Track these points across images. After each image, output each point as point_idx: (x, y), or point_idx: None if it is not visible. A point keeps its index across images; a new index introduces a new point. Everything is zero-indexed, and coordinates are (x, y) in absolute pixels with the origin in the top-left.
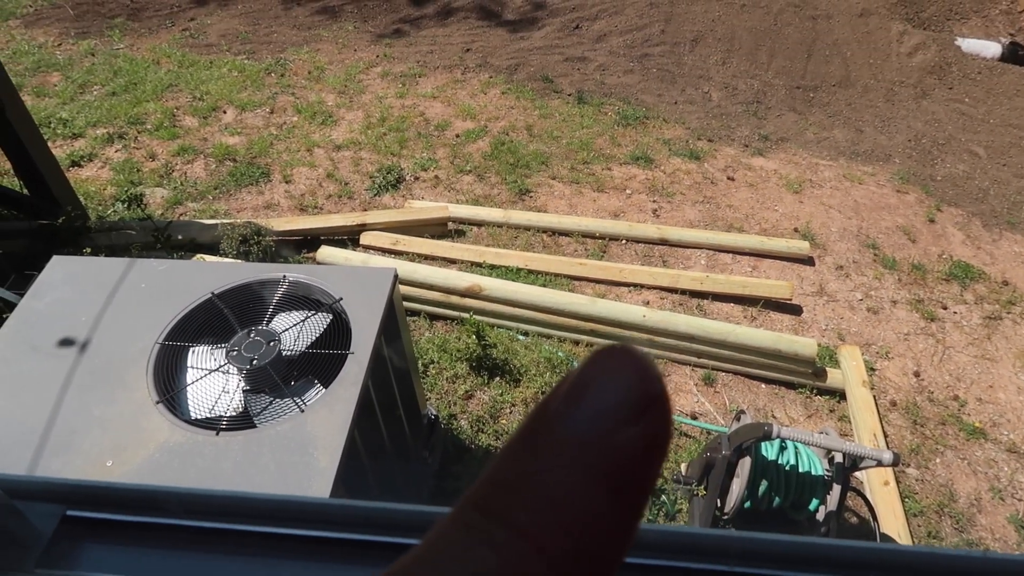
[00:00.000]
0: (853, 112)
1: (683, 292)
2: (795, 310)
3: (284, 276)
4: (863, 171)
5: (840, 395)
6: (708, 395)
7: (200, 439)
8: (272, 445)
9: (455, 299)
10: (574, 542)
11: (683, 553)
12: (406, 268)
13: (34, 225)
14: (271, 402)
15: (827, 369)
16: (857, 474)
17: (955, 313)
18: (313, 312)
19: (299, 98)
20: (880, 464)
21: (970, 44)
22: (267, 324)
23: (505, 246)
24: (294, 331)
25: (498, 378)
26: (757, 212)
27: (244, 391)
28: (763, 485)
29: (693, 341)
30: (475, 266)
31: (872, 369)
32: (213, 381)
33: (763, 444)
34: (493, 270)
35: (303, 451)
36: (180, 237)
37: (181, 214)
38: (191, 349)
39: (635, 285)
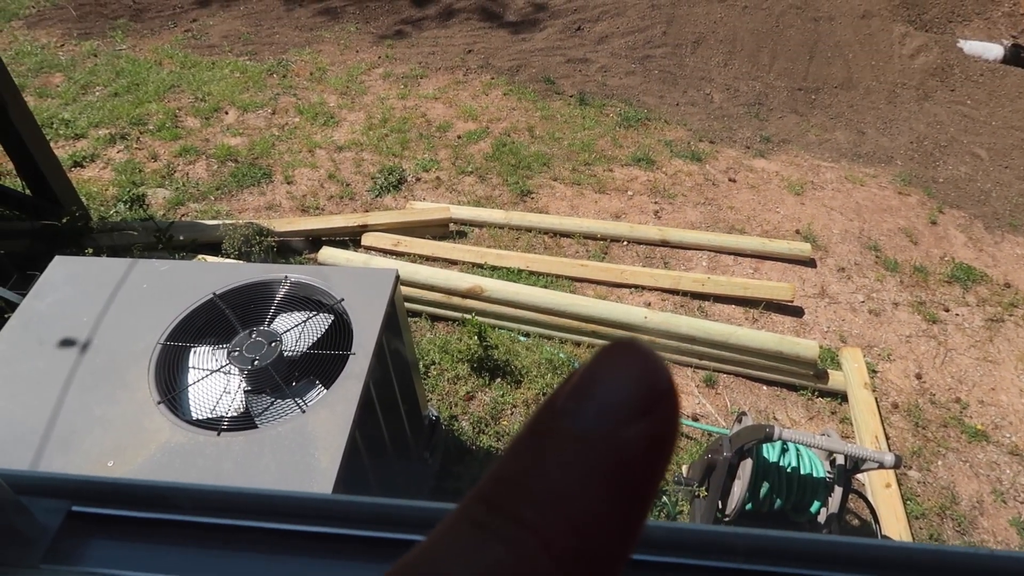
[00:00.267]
0: (855, 114)
1: (684, 294)
2: (797, 312)
3: (286, 277)
4: (865, 173)
5: (842, 397)
6: (709, 397)
7: (201, 439)
8: (273, 446)
9: (456, 300)
10: (580, 539)
11: (689, 550)
12: (407, 269)
13: (36, 225)
14: (272, 403)
15: (829, 371)
16: (859, 476)
17: (957, 315)
18: (315, 313)
19: (301, 99)
20: (882, 466)
21: (972, 46)
22: (268, 325)
23: (506, 247)
24: (295, 332)
25: (499, 379)
26: (759, 214)
27: (245, 392)
28: (764, 487)
29: (694, 343)
30: (476, 267)
31: (874, 371)
32: (214, 381)
33: (764, 446)
34: (494, 271)
35: (304, 452)
36: (182, 238)
37: (183, 215)
38: (192, 349)
39: (636, 286)
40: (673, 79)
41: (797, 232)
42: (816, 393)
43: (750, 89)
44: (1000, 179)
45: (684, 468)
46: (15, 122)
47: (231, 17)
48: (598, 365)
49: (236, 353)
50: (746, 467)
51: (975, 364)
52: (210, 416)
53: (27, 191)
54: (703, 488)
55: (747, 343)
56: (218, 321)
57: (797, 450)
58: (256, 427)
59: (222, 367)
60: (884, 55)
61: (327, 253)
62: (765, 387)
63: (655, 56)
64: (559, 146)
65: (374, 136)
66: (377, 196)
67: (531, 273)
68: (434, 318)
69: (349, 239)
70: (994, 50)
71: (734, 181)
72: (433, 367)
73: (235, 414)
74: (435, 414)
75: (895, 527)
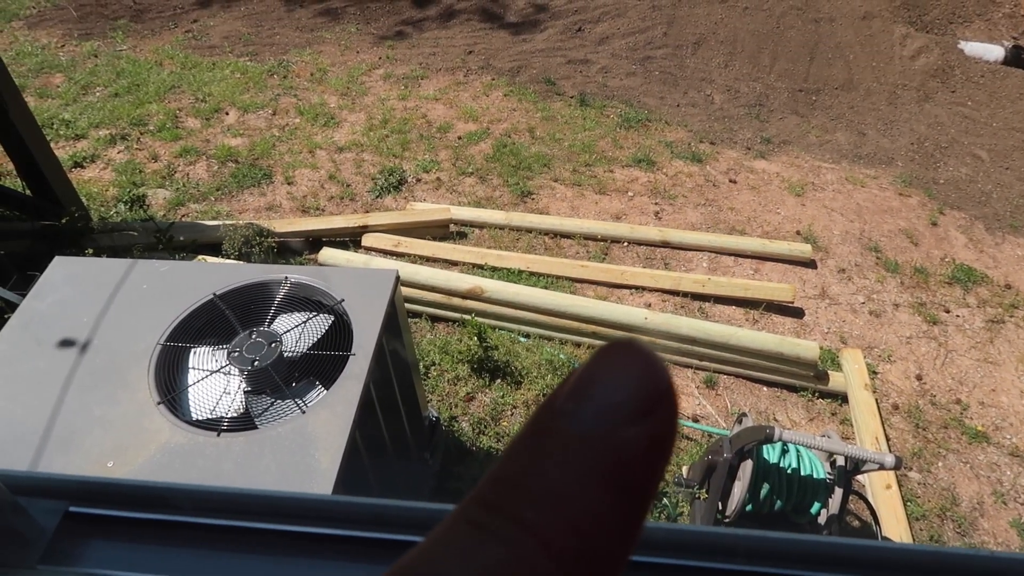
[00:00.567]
0: (855, 115)
1: (685, 295)
2: (797, 313)
3: (286, 277)
4: (865, 174)
5: (842, 398)
6: (710, 398)
7: (201, 440)
8: (273, 446)
9: (456, 301)
10: (580, 539)
11: (690, 552)
12: (408, 270)
13: (36, 226)
14: (272, 403)
15: (829, 372)
16: (859, 477)
17: (957, 316)
18: (315, 313)
19: (301, 100)
20: (882, 467)
21: (973, 47)
22: (269, 325)
23: (507, 248)
24: (295, 332)
25: (499, 380)
26: (759, 215)
27: (245, 392)
28: (765, 488)
29: (695, 344)
30: (477, 268)
31: (874, 372)
32: (214, 382)
33: (765, 447)
34: (495, 272)
35: (304, 452)
36: (182, 238)
37: (183, 215)
38: (192, 350)
39: (637, 287)
40: (674, 80)
41: (798, 233)
42: (816, 394)
43: (751, 90)
44: (1001, 180)
45: (684, 469)
46: (15, 122)
47: (232, 18)
48: (597, 366)
49: (236, 354)
50: (746, 468)
51: (976, 365)
52: (210, 417)
53: (27, 191)
54: (703, 489)
55: (747, 344)
56: (218, 322)
57: (797, 451)
58: (256, 428)
59: (222, 368)
60: (885, 56)
61: (327, 254)
62: (765, 388)
63: (656, 57)
64: (560, 147)
65: (375, 137)
66: (377, 197)
67: (531, 274)
68: (434, 319)
69: (349, 240)
70: (995, 51)
71: (735, 182)
72: (433, 368)
73: (235, 415)
74: (435, 415)
75: (895, 528)
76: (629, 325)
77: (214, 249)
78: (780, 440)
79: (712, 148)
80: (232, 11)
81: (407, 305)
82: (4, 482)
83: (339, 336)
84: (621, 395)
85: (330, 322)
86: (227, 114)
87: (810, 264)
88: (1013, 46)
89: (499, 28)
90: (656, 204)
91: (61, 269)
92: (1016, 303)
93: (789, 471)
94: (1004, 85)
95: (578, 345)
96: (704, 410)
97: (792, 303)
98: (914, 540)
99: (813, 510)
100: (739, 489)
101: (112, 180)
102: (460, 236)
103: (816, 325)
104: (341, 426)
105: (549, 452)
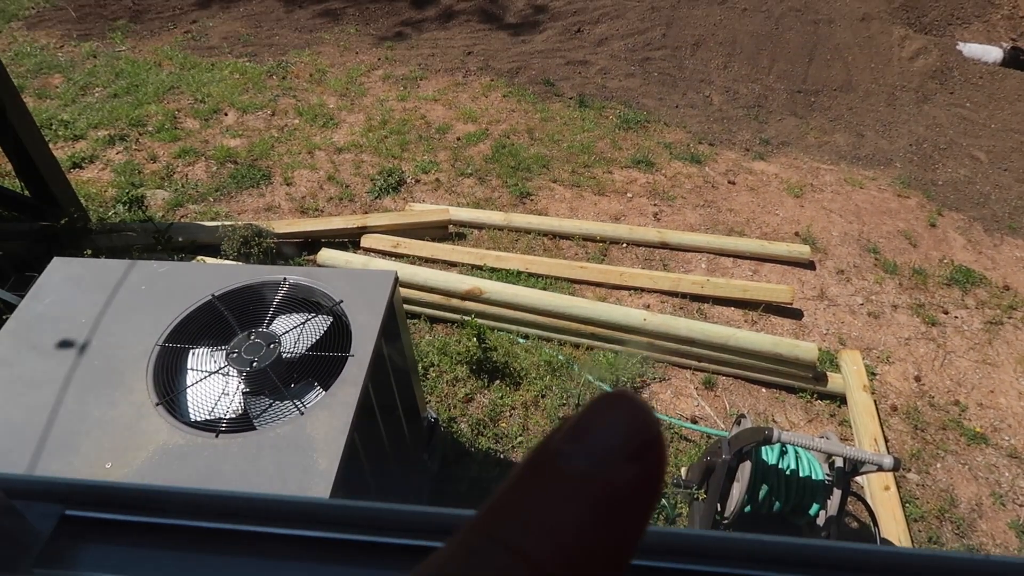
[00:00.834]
0: (854, 116)
1: (684, 296)
2: (796, 314)
3: (284, 278)
4: (864, 175)
5: (841, 399)
6: (708, 399)
7: (200, 441)
8: (272, 447)
9: (455, 302)
10: (573, 569)
11: (685, 555)
12: (406, 271)
13: (35, 227)
14: (271, 404)
15: (828, 373)
16: (858, 479)
17: (956, 318)
18: (313, 314)
19: (300, 100)
20: (881, 469)
21: (971, 49)
22: (267, 326)
23: (506, 249)
24: (294, 333)
25: (498, 381)
26: (758, 216)
27: (244, 393)
28: (763, 489)
29: (693, 345)
30: (476, 269)
31: (873, 373)
32: (213, 383)
33: (763, 448)
34: (494, 273)
35: (303, 453)
36: (181, 239)
37: (182, 216)
38: (191, 351)
39: (636, 289)
40: (672, 81)
41: (796, 234)
42: (815, 395)
43: (749, 91)
44: (999, 182)
45: (683, 470)
46: (14, 123)
47: (231, 18)
48: (592, 412)
49: (235, 355)
50: (745, 469)
51: (974, 367)
52: (208, 418)
53: (26, 192)
54: (702, 490)
55: (746, 345)
56: (217, 323)
57: (796, 452)
58: (255, 429)
59: (220, 369)
60: (883, 58)
61: (326, 255)
62: (764, 389)
63: (655, 58)
64: (558, 148)
65: (373, 138)
66: (376, 198)
67: (530, 275)
68: (433, 320)
69: (348, 241)
70: (993, 53)
71: (733, 183)
72: (432, 369)
73: (233, 416)
74: (434, 416)
75: (894, 530)
76: (628, 326)
77: (213, 250)
78: (779, 441)
79: (711, 149)
80: (231, 12)
81: (406, 306)
82: (0, 486)
83: (338, 337)
84: (615, 440)
85: (329, 323)
86: (226, 115)
87: (809, 265)
88: (1011, 48)
89: (498, 29)
90: (655, 205)
91: (59, 270)
92: (1014, 304)
93: (788, 472)
94: (1002, 86)
95: (577, 346)
96: (703, 411)
97: (791, 304)
98: (912, 541)
99: (812, 511)
100: (738, 490)
101: (111, 181)
102: (459, 237)
103: (815, 326)
104: (340, 427)
105: (544, 487)
